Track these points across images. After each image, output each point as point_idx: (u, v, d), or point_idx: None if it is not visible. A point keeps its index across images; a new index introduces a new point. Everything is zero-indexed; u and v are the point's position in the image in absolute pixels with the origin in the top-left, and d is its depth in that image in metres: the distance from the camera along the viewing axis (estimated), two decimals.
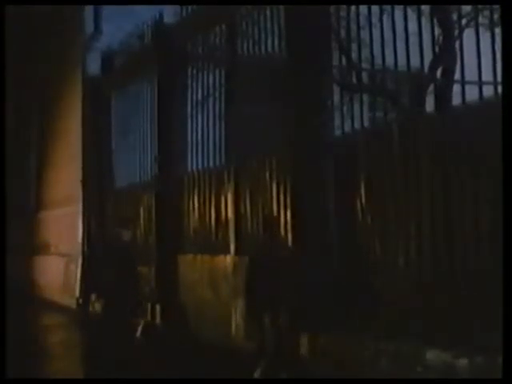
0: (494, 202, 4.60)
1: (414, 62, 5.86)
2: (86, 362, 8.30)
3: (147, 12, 9.91)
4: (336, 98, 6.45)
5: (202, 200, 8.51)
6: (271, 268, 6.08)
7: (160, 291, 8.98)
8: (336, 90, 6.50)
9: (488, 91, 5.20)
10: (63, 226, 13.31)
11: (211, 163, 8.47)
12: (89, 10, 12.36)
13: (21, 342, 8.41)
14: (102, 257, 10.77)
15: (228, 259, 7.60)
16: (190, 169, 9.02)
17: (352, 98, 6.40)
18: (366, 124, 6.22)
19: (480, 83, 5.27)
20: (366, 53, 6.25)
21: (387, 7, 6.03)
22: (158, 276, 9.04)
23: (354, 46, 6.40)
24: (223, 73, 8.29)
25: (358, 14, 6.28)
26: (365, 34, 6.21)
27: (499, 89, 4.83)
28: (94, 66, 11.98)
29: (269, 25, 7.28)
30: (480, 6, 5.50)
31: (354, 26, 6.38)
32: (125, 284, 8.87)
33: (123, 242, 9.36)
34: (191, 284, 8.42)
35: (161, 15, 9.59)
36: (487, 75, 5.24)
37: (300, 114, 6.43)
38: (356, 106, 6.30)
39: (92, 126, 11.97)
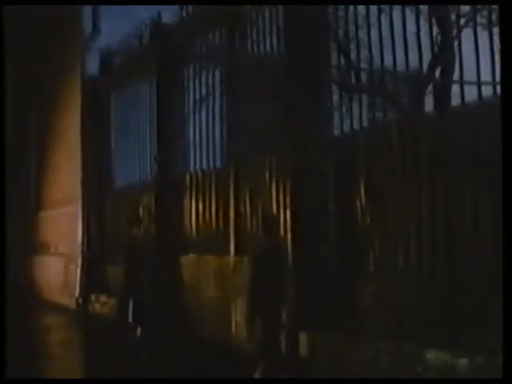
0: (493, 201, 4.61)
1: (413, 61, 5.86)
2: (85, 361, 8.31)
3: (146, 12, 9.91)
4: (335, 98, 6.45)
5: (201, 199, 8.51)
6: (271, 268, 6.07)
7: (160, 291, 8.98)
8: (335, 90, 6.50)
9: (487, 91, 5.20)
10: (63, 225, 13.31)
11: (211, 163, 8.47)
12: (87, 10, 12.35)
13: (21, 341, 8.40)
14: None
15: (228, 259, 7.61)
16: (189, 168, 9.02)
17: (351, 98, 6.40)
18: (365, 124, 6.22)
19: (479, 83, 5.27)
20: (364, 53, 6.25)
21: (385, 7, 6.03)
22: (158, 276, 9.04)
23: (353, 46, 6.40)
24: (222, 72, 8.29)
25: (356, 15, 6.29)
26: (363, 34, 6.21)
27: (498, 88, 4.84)
28: (92, 65, 11.99)
29: (268, 25, 7.29)
30: (478, 6, 5.50)
31: (352, 27, 6.38)
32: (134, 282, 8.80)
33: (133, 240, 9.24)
34: (191, 284, 8.42)
35: (159, 15, 9.60)
36: (486, 75, 5.24)
37: (299, 114, 6.44)
38: (355, 106, 6.30)
39: (91, 126, 11.97)
